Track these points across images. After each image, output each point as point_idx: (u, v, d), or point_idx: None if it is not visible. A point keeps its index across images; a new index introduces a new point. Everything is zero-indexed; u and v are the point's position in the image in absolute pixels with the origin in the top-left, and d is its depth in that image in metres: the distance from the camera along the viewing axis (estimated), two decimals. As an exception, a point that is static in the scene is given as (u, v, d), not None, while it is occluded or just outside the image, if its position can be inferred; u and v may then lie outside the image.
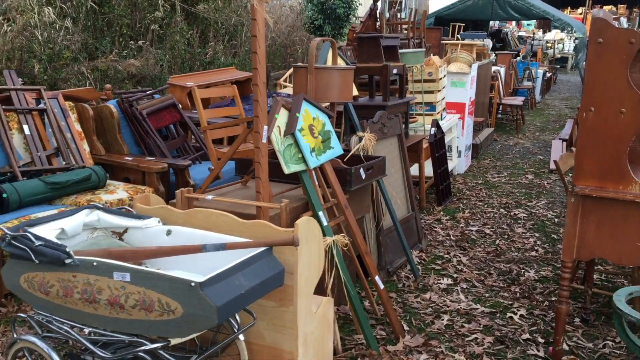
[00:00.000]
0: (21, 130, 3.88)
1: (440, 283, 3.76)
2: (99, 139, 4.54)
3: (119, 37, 10.03)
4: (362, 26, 10.77)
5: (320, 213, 2.88)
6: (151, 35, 10.59)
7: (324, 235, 2.87)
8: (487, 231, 4.80)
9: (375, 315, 3.29)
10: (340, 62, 3.81)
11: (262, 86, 2.48)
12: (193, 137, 4.97)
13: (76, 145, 4.12)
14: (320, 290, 2.89)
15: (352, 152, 3.59)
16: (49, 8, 9.39)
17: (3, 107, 3.81)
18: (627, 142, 2.23)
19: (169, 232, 2.46)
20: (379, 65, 4.55)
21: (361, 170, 3.26)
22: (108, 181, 4.07)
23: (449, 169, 6.31)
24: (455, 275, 3.90)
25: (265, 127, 2.56)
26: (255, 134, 2.53)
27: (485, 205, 5.51)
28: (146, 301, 2.00)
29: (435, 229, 4.83)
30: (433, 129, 5.48)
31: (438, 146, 5.56)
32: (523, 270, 4.00)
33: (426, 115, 5.90)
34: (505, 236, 4.71)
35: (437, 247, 4.45)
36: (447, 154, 6.47)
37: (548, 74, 14.88)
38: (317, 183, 3.02)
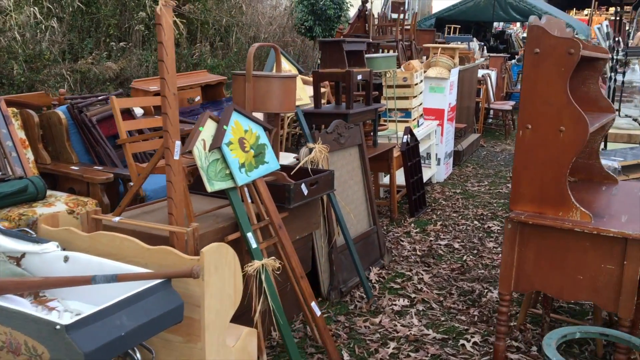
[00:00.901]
0: (-45, 138, 3.67)
1: (395, 305, 3.52)
2: (47, 146, 4.34)
3: (106, 38, 9.85)
4: (351, 28, 10.54)
5: (249, 234, 2.65)
6: (136, 36, 10.39)
7: (252, 258, 2.64)
8: (457, 245, 4.56)
9: (317, 342, 3.06)
10: (292, 69, 3.58)
11: (172, 98, 2.26)
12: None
13: (17, 154, 3.91)
14: (249, 318, 2.66)
15: (299, 166, 3.36)
16: (35, 8, 9.21)
17: None
18: (567, 164, 2.00)
19: (66, 259, 2.24)
20: (341, 71, 4.32)
21: (302, 186, 3.03)
22: (50, 192, 3.85)
23: (427, 178, 6.07)
24: (413, 296, 3.66)
25: (178, 143, 2.34)
26: (166, 151, 2.30)
27: (460, 217, 5.27)
28: (13, 343, 1.78)
29: (402, 243, 4.59)
30: (406, 136, 5.24)
31: (411, 154, 5.33)
32: (486, 290, 3.75)
33: (400, 122, 5.66)
34: (475, 251, 4.47)
35: (401, 262, 4.22)
36: (425, 161, 6.24)
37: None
38: (249, 201, 2.80)
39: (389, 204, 5.20)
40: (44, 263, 2.28)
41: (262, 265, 2.63)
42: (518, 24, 27.04)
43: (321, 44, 4.38)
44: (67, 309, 2.18)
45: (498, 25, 25.28)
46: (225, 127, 2.66)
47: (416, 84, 5.73)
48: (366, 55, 4.85)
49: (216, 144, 2.60)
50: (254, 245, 2.65)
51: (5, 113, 3.99)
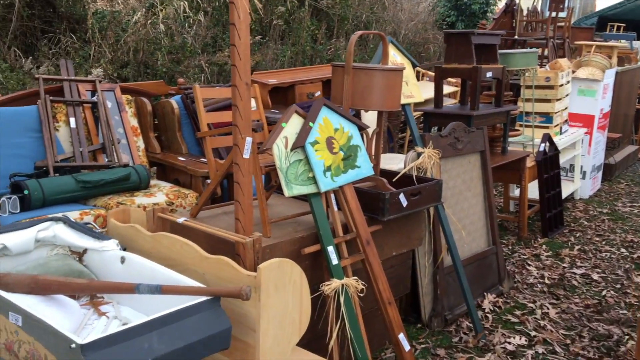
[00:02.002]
0: (69, 123, 3.73)
1: (508, 342, 2.99)
2: (160, 136, 4.32)
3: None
4: (495, 23, 9.76)
5: (330, 248, 2.31)
6: (274, 31, 10.48)
7: (332, 276, 2.30)
8: (595, 277, 3.87)
9: (406, 378, 2.65)
10: (405, 62, 3.17)
11: (243, 88, 1.97)
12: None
13: (127, 142, 3.90)
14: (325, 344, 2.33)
15: (402, 172, 2.96)
16: (185, 2, 9.61)
17: (51, 98, 3.68)
18: None
19: (122, 260, 2.05)
20: (467, 67, 3.82)
21: (401, 196, 2.62)
22: (155, 182, 3.81)
23: (568, 193, 5.33)
24: (532, 334, 3.10)
25: (249, 140, 2.05)
26: (235, 148, 2.03)
27: (603, 242, 4.51)
28: (35, 355, 1.59)
29: (528, 267, 3.99)
30: (543, 144, 4.59)
31: (549, 165, 4.66)
32: (627, 337, 3.09)
33: (539, 127, 5.00)
34: (618, 286, 3.75)
35: (524, 291, 3.64)
36: (567, 174, 5.49)
37: None
38: (336, 209, 2.45)
39: (518, 220, 4.58)
40: (103, 261, 2.12)
41: (342, 285, 2.28)
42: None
43: (446, 35, 3.90)
44: (117, 316, 1.99)
45: (672, 25, 22.60)
46: (311, 124, 2.34)
47: (561, 85, 5.02)
48: (500, 51, 4.28)
49: (299, 143, 2.29)
50: (334, 261, 2.30)
51: (119, 100, 4.00)
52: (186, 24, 9.37)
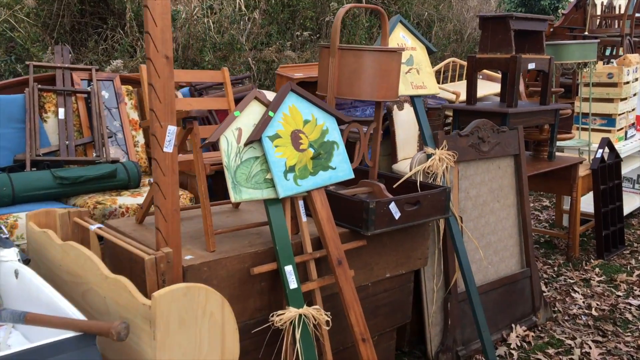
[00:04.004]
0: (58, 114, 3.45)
1: (532, 390, 2.43)
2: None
3: (302, 31, 9.70)
4: (565, 19, 8.91)
5: (288, 268, 1.86)
6: (326, 28, 10.09)
7: (288, 304, 1.84)
8: (657, 310, 3.20)
9: None
10: (417, 45, 2.65)
11: (161, 62, 1.55)
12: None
13: (124, 136, 3.59)
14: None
15: (405, 177, 2.45)
16: (241, 0, 9.40)
17: (39, 86, 3.41)
18: None
19: (16, 274, 1.68)
20: (505, 57, 3.25)
21: (392, 206, 2.12)
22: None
23: (632, 208, 4.61)
24: (565, 380, 2.52)
25: (172, 129, 1.63)
26: (152, 139, 1.61)
27: (671, 268, 3.80)
28: None
29: (573, 294, 3.36)
30: (601, 150, 3.93)
31: (607, 175, 3.99)
32: (689, 395, 2.44)
33: (598, 131, 4.32)
34: (684, 324, 3.07)
35: (563, 324, 3.03)
36: (635, 186, 4.76)
37: None
38: (304, 219, 2.00)
39: (568, 238, 3.94)
40: (1, 272, 1.75)
41: (300, 315, 1.82)
42: None
43: (481, 20, 3.34)
44: (1, 343, 1.61)
45: None
46: (271, 113, 1.89)
47: (627, 83, 4.32)
48: (550, 42, 3.67)
49: (254, 136, 1.85)
50: (292, 284, 1.84)
51: (118, 91, 3.69)
52: (241, 22, 9.15)
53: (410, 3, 11.45)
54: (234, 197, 1.80)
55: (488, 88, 5.64)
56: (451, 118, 5.37)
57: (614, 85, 4.27)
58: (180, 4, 9.43)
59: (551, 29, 8.98)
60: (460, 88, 5.71)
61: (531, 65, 3.32)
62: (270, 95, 4.68)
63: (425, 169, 2.50)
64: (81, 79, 3.61)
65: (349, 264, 2.03)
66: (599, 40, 4.18)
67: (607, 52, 9.33)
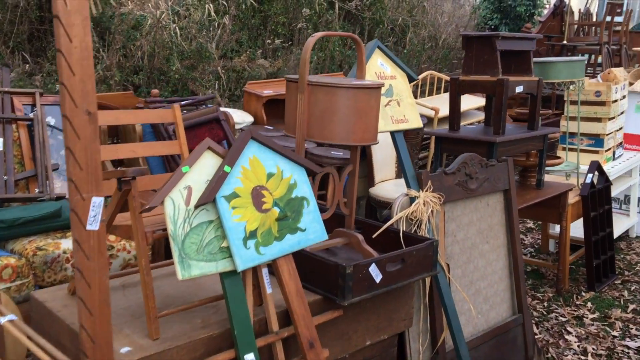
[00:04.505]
0: (-3, 145, 3.08)
1: None
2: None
3: (274, 37, 9.38)
4: (542, 27, 8.75)
5: (249, 357, 1.54)
6: (299, 35, 9.78)
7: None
8: (657, 354, 2.96)
9: None
10: (397, 74, 2.35)
11: (81, 120, 1.22)
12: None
13: (72, 167, 3.22)
14: None
15: (385, 226, 2.16)
16: (211, 5, 9.03)
17: (-27, 115, 3.04)
18: None
19: None
20: (491, 80, 2.98)
21: (372, 268, 1.82)
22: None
23: (622, 231, 4.39)
24: None
25: (97, 201, 1.30)
26: (72, 215, 1.28)
27: (667, 300, 3.58)
28: None
29: (566, 336, 3.11)
30: (590, 175, 3.69)
31: (598, 201, 3.75)
32: None
33: (586, 152, 4.09)
34: (687, 371, 2.84)
35: (559, 373, 2.77)
36: (621, 206, 4.55)
37: None
38: (269, 291, 1.68)
39: (558, 268, 3.69)
40: None
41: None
42: None
43: (465, 39, 3.07)
44: None
45: None
46: (228, 168, 1.57)
47: (615, 101, 4.09)
48: (536, 60, 3.42)
49: (206, 198, 1.53)
50: (253, 376, 1.53)
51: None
52: (211, 28, 8.78)
53: (384, 9, 11.20)
54: (180, 273, 1.48)
55: (470, 102, 5.39)
56: (430, 137, 5.11)
57: (602, 103, 4.05)
58: (140, 8, 9.02)
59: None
60: (439, 103, 5.45)
61: (519, 89, 3.06)
62: (237, 115, 4.35)
63: (408, 214, 2.21)
64: (23, 104, 3.24)
65: (322, 334, 1.72)
66: (586, 58, 3.94)
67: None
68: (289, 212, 1.66)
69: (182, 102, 3.74)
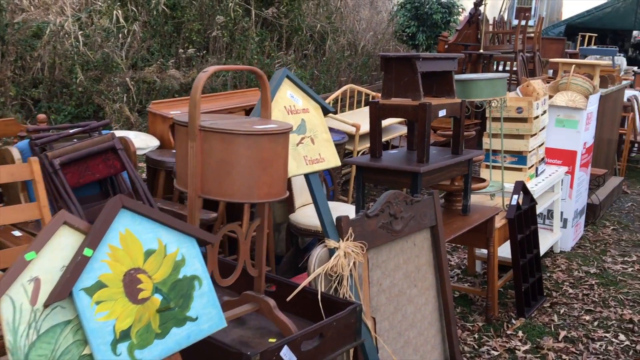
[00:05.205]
0: None
1: None
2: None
3: (189, 45, 8.89)
4: (459, 35, 8.77)
5: None
6: (215, 44, 9.35)
7: None
8: (591, 388, 2.83)
9: None
10: (311, 106, 2.07)
11: None
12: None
13: (-64, 213, 2.73)
14: None
15: (301, 286, 1.86)
16: (119, 11, 8.43)
17: None
18: None
19: None
20: (412, 104, 2.75)
21: (285, 352, 1.51)
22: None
23: (547, 246, 4.32)
24: None
25: None
26: None
27: (595, 323, 3.48)
28: None
29: (500, 373, 2.93)
30: (516, 196, 3.55)
31: (524, 222, 3.63)
32: None
33: (510, 170, 3.98)
34: (623, 406, 2.71)
35: (494, 420, 2.57)
36: (545, 221, 4.49)
37: None
38: (153, 397, 1.33)
39: (487, 295, 3.52)
40: None
41: None
42: (663, 32, 23.56)
43: (383, 60, 2.82)
44: None
45: (638, 34, 22.24)
46: (89, 251, 1.22)
47: (536, 117, 4.00)
48: (458, 77, 3.24)
49: (59, 294, 1.17)
50: None
51: None
52: (119, 35, 8.20)
53: (302, 15, 10.96)
54: (27, 397, 1.12)
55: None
56: (350, 151, 4.88)
57: (524, 120, 3.94)
58: (44, 14, 8.32)
59: (445, 46, 8.81)
60: (359, 118, 5.23)
61: (442, 113, 2.85)
62: (140, 140, 3.92)
63: (327, 270, 1.92)
64: None
65: None
66: (507, 75, 3.82)
67: (500, 68, 9.34)
68: (175, 299, 1.33)
69: (71, 131, 3.29)
